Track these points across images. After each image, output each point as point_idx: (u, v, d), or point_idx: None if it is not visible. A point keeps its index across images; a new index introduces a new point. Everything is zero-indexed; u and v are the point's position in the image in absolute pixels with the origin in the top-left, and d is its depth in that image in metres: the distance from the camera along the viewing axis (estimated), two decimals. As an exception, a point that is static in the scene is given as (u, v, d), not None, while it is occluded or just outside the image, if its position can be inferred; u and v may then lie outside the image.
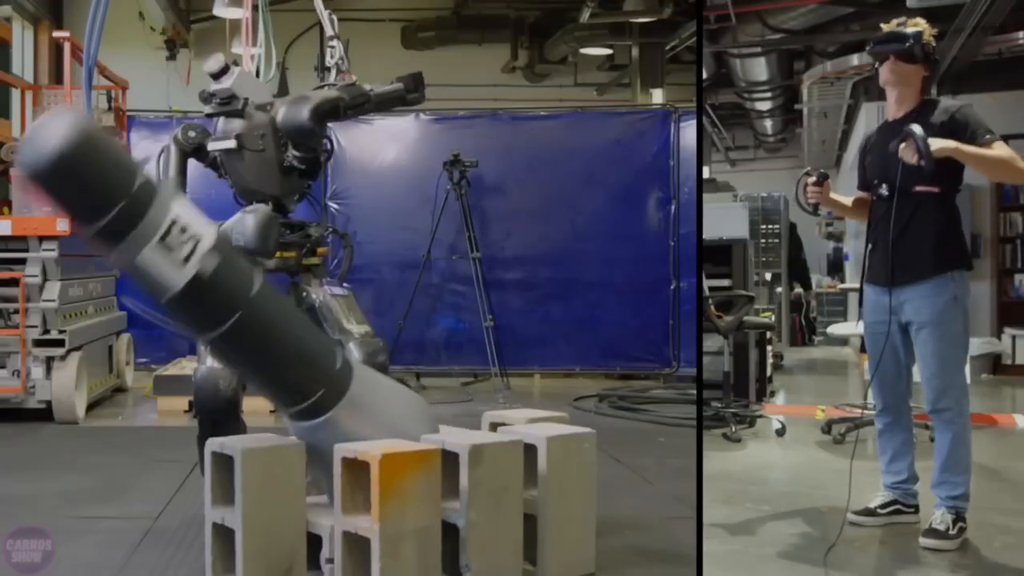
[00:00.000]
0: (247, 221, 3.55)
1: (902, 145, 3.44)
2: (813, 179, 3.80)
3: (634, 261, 8.51)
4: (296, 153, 3.71)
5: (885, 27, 3.71)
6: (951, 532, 3.55)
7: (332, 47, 3.92)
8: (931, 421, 3.84)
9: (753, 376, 7.06)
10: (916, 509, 3.84)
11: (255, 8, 4.65)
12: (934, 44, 3.66)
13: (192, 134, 3.76)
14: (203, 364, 3.53)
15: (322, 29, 4.07)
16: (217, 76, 3.65)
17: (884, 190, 3.68)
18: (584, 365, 8.62)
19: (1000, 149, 3.49)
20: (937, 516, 3.61)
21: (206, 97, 3.68)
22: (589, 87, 13.72)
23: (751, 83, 13.13)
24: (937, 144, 3.39)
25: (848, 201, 3.99)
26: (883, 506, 3.86)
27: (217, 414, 3.43)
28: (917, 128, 3.40)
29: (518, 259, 8.49)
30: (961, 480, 3.63)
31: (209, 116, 3.73)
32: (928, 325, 3.62)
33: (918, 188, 3.58)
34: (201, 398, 3.51)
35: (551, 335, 8.54)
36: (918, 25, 3.66)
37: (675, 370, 8.49)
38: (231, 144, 3.67)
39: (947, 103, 3.68)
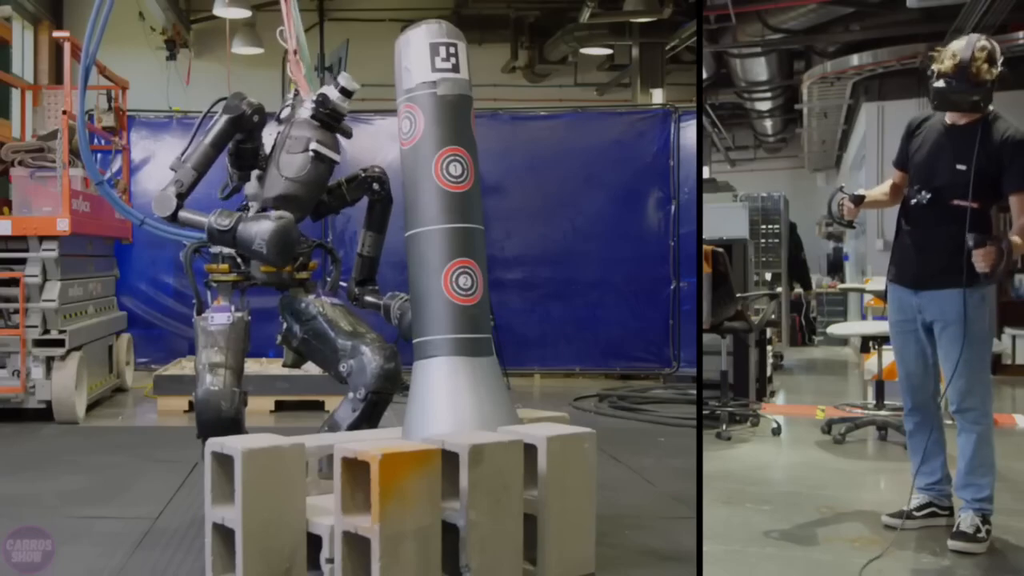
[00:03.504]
0: (265, 227, 3.41)
1: (982, 250, 3.40)
2: (850, 204, 3.78)
3: (634, 261, 8.51)
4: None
5: (938, 66, 3.51)
6: (979, 535, 3.53)
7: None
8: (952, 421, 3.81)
9: (753, 376, 7.06)
10: (951, 511, 3.80)
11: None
12: (1000, 67, 3.51)
13: (256, 118, 3.61)
14: (202, 385, 3.47)
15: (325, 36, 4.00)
16: (349, 95, 3.64)
17: (923, 197, 3.67)
18: (584, 365, 8.63)
19: None
20: (965, 519, 3.59)
21: (322, 101, 3.61)
22: (589, 87, 13.72)
23: (751, 83, 13.13)
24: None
25: (884, 191, 3.96)
26: (919, 508, 3.83)
27: (220, 434, 3.39)
28: (1007, 245, 3.38)
29: (518, 259, 8.50)
30: (986, 482, 3.62)
31: (317, 119, 3.62)
32: (954, 323, 3.60)
33: (957, 202, 3.57)
34: (204, 420, 3.46)
35: (551, 335, 8.55)
36: (981, 70, 3.44)
37: (675, 370, 8.49)
38: (338, 158, 3.67)
39: (1003, 126, 3.57)
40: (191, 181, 3.58)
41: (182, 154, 3.62)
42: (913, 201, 3.72)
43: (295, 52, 3.87)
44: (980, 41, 3.49)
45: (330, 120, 3.65)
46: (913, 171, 3.79)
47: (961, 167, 3.56)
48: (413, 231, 3.36)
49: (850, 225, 3.95)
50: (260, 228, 3.42)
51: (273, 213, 3.50)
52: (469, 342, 3.25)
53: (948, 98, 3.56)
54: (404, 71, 3.42)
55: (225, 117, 3.60)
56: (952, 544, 3.53)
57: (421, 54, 3.37)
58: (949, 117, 3.70)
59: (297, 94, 3.78)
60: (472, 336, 3.26)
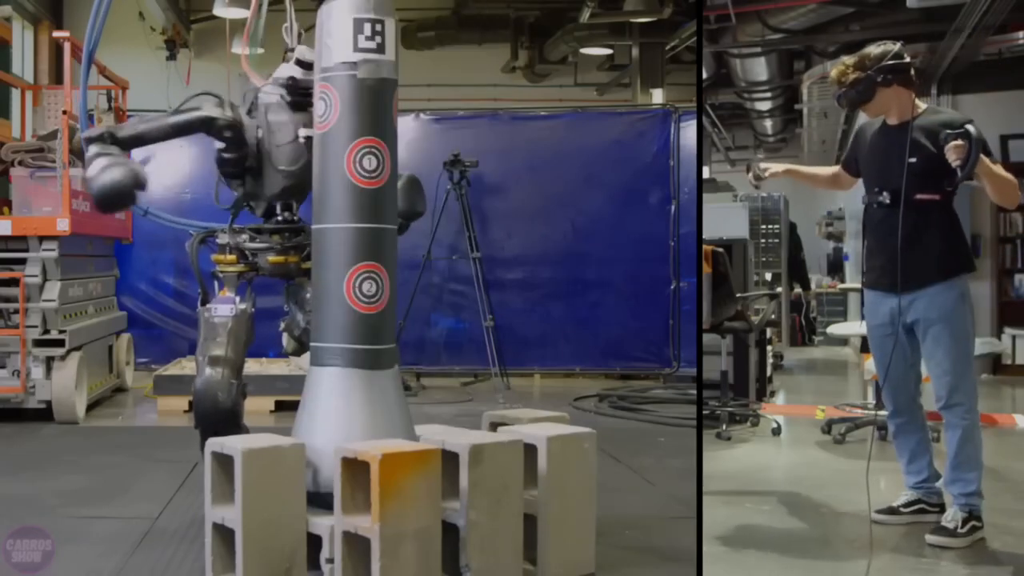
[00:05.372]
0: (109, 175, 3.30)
1: (952, 143, 3.41)
2: (756, 169, 3.96)
3: (634, 261, 8.51)
4: None
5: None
6: (960, 530, 3.54)
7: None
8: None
9: (753, 376, 7.06)
10: (942, 508, 3.80)
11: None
12: (894, 52, 3.63)
13: (229, 133, 3.54)
14: (201, 376, 3.47)
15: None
16: (309, 67, 3.50)
17: (885, 198, 3.68)
18: (584, 365, 8.63)
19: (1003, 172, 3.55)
20: (949, 514, 3.61)
21: (292, 85, 3.52)
22: (589, 87, 13.72)
23: (751, 83, 13.12)
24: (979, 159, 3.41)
25: (818, 170, 4.09)
26: (906, 505, 3.85)
27: (218, 425, 3.40)
28: (975, 131, 3.39)
29: (518, 259, 8.49)
30: (973, 476, 3.63)
31: (293, 104, 3.55)
32: (938, 322, 3.62)
33: (919, 196, 3.59)
34: (201, 410, 3.46)
35: (551, 335, 8.55)
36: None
37: (675, 370, 8.49)
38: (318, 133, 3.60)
39: (937, 115, 3.67)
40: (132, 133, 3.49)
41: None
42: (875, 204, 3.74)
43: (245, 51, 3.85)
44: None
45: (303, 99, 3.55)
46: (866, 175, 3.84)
47: (912, 160, 3.59)
48: (319, 226, 3.15)
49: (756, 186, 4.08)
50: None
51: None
52: (368, 353, 3.08)
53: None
54: (324, 46, 3.13)
55: (200, 112, 3.53)
56: (930, 539, 3.55)
57: (343, 29, 3.07)
58: (888, 118, 3.76)
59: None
60: (372, 347, 3.09)
